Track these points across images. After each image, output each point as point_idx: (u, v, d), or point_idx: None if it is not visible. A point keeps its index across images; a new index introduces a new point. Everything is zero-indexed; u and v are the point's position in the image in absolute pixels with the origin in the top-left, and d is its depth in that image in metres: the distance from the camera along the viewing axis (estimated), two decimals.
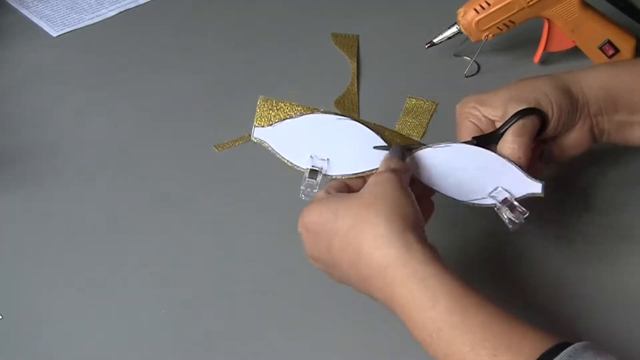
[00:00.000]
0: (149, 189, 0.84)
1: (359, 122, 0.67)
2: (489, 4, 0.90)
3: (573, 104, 0.71)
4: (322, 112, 0.68)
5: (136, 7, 1.14)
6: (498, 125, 0.70)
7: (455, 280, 0.56)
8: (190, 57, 1.04)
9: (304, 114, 0.67)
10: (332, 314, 0.70)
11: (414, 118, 0.90)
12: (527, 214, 0.66)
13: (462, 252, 0.74)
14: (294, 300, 0.71)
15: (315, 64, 1.00)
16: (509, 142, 0.68)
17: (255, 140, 0.67)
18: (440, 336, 0.54)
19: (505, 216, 0.66)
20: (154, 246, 0.78)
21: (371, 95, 0.94)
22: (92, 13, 1.13)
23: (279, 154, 0.67)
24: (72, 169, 0.87)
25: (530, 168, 0.70)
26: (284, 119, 0.67)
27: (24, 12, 1.14)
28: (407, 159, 0.67)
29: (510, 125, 0.69)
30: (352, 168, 0.67)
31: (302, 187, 0.66)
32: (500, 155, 0.68)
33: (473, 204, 0.67)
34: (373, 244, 0.58)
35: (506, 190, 0.67)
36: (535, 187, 0.67)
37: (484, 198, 0.67)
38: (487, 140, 0.70)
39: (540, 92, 0.70)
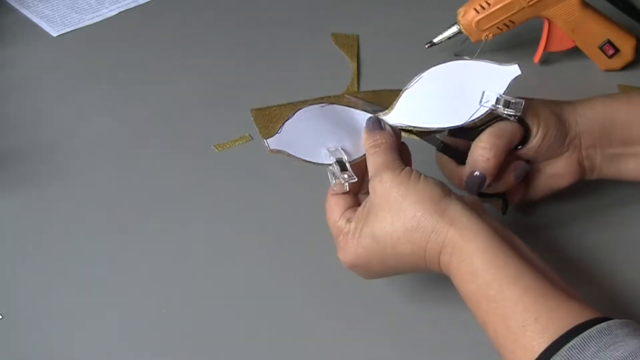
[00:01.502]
0: (148, 189, 0.84)
1: (339, 105, 0.68)
2: (489, 4, 0.90)
3: (562, 132, 0.70)
4: (308, 105, 0.68)
5: (136, 7, 1.14)
6: None
7: (496, 254, 0.58)
8: (190, 57, 1.04)
9: (295, 111, 0.68)
10: (334, 314, 0.70)
11: None
12: (523, 102, 0.67)
13: None
14: (295, 300, 0.71)
15: (315, 64, 1.00)
16: (484, 141, 0.68)
17: (272, 152, 0.66)
18: (479, 307, 0.58)
19: (506, 113, 0.67)
20: (154, 246, 0.78)
21: None
22: (92, 13, 1.13)
23: (299, 158, 0.66)
24: (72, 169, 0.87)
25: (499, 182, 0.70)
26: (283, 123, 0.67)
27: (24, 12, 1.14)
28: (386, 126, 0.68)
29: (489, 125, 0.69)
30: (361, 150, 0.68)
31: (334, 180, 0.65)
32: (465, 58, 0.69)
33: (472, 120, 0.67)
34: (425, 241, 0.61)
35: (491, 91, 0.67)
36: (513, 70, 0.68)
37: (478, 109, 0.67)
38: (463, 134, 0.70)
39: (530, 107, 0.70)
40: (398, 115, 0.69)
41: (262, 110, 0.67)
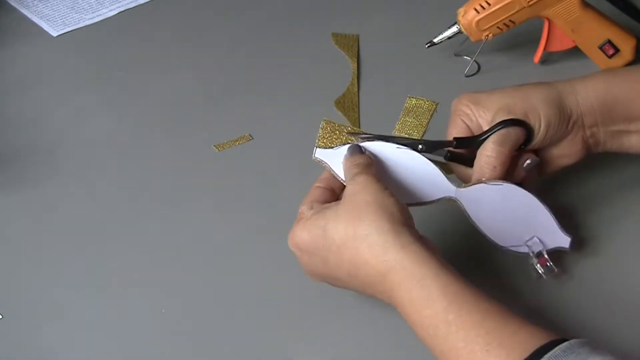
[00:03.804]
0: (148, 189, 0.84)
1: (419, 152, 0.68)
2: (489, 4, 0.90)
3: (564, 118, 0.70)
4: (381, 140, 0.69)
5: (136, 7, 1.14)
6: (486, 128, 0.70)
7: (451, 278, 0.57)
8: (190, 57, 1.04)
9: (364, 141, 0.69)
10: (333, 314, 0.70)
11: (414, 118, 0.90)
12: (554, 271, 0.68)
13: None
14: (295, 300, 0.71)
15: (315, 64, 1.00)
16: (488, 149, 0.69)
17: (316, 160, 0.69)
18: (437, 333, 0.56)
19: (535, 267, 0.68)
20: (154, 246, 0.78)
21: (371, 95, 0.94)
22: (92, 13, 1.13)
23: (337, 175, 0.68)
24: (72, 169, 0.87)
25: (509, 176, 0.70)
26: (345, 143, 0.69)
27: (24, 12, 1.14)
28: (367, 152, 0.68)
29: (492, 133, 0.69)
30: (408, 197, 0.68)
31: None
32: (542, 202, 0.68)
33: (509, 250, 0.69)
34: (369, 254, 0.60)
35: (540, 241, 0.68)
36: (563, 241, 0.68)
37: (519, 246, 0.69)
38: (468, 143, 0.70)
39: (530, 104, 0.70)
40: (466, 196, 0.68)
41: (334, 124, 0.70)
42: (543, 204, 0.68)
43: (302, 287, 0.72)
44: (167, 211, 0.81)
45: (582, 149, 0.72)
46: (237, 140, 0.89)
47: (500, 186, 0.68)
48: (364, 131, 0.70)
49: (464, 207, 0.68)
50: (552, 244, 0.69)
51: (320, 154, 0.69)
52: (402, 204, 0.62)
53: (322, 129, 0.70)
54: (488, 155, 0.69)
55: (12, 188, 0.85)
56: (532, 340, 0.53)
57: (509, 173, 0.70)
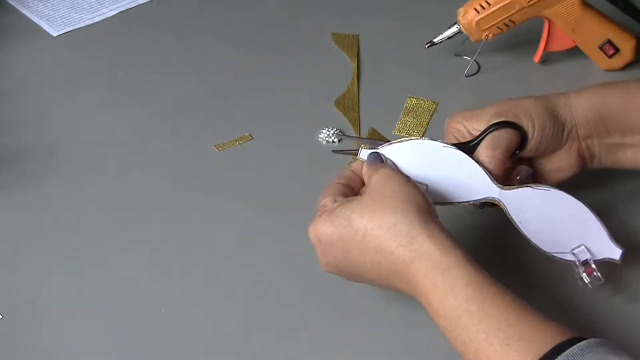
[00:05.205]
0: (148, 189, 0.84)
1: (463, 152, 0.68)
2: (489, 4, 0.90)
3: (558, 126, 0.70)
4: (427, 138, 0.69)
5: (136, 7, 1.14)
6: None
7: (475, 270, 0.58)
8: (190, 57, 1.04)
9: (410, 139, 0.69)
10: (335, 314, 0.70)
11: (414, 118, 0.90)
12: (601, 281, 0.66)
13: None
14: (295, 300, 0.71)
15: (315, 64, 1.00)
16: (481, 155, 0.69)
17: (360, 159, 0.69)
18: (458, 324, 0.57)
19: (580, 275, 0.67)
20: (154, 246, 0.78)
21: (371, 95, 0.94)
22: (92, 13, 1.13)
23: None
24: (72, 169, 0.87)
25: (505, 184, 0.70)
26: (390, 144, 0.69)
27: (24, 11, 1.14)
28: (388, 161, 0.68)
29: (484, 136, 0.69)
30: (449, 197, 0.68)
31: None
32: (592, 211, 0.67)
33: (553, 256, 0.68)
34: (395, 243, 0.60)
35: (588, 250, 0.67)
36: (614, 253, 0.67)
37: (565, 253, 0.67)
38: (462, 149, 0.70)
39: (523, 109, 0.70)
40: (510, 198, 0.68)
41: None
42: (593, 213, 0.67)
43: (303, 286, 0.72)
44: (167, 211, 0.81)
45: (577, 161, 0.72)
46: (237, 140, 0.89)
47: (547, 192, 0.68)
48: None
49: (507, 209, 0.68)
50: (601, 255, 0.67)
51: (365, 155, 0.68)
52: (426, 196, 0.63)
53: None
54: (481, 160, 0.68)
55: (12, 188, 0.85)
56: (551, 336, 0.54)
57: (505, 183, 0.69)
